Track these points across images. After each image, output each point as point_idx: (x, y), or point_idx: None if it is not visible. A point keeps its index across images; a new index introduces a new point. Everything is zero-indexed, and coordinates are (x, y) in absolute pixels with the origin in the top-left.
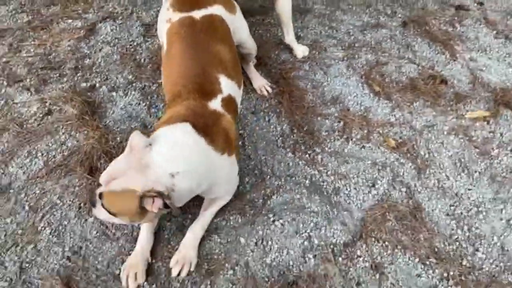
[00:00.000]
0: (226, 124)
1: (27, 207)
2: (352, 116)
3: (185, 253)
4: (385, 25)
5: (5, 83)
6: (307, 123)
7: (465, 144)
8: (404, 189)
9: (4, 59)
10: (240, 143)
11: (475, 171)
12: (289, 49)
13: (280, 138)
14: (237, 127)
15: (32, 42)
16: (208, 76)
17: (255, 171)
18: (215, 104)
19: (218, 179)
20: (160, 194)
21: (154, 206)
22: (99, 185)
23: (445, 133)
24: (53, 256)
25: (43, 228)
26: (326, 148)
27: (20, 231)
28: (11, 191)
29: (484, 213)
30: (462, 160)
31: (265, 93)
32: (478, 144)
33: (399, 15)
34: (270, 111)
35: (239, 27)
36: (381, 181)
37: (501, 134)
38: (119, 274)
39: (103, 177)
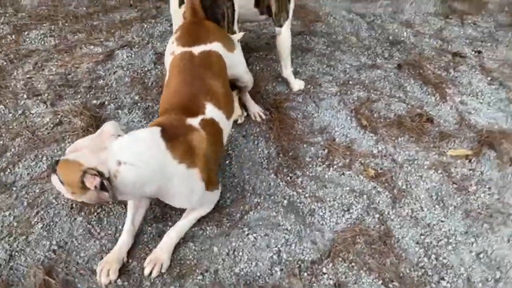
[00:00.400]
0: (195, 139)
1: (25, 203)
2: (337, 145)
3: (158, 255)
4: (381, 66)
5: (25, 96)
6: (293, 149)
7: (443, 179)
8: (377, 216)
9: (28, 75)
10: (227, 161)
11: (451, 205)
12: (286, 83)
13: (266, 161)
14: (222, 153)
15: (55, 63)
16: (195, 101)
17: (237, 188)
18: (193, 121)
19: (170, 187)
20: (100, 174)
21: (92, 183)
22: None
23: (425, 167)
24: (41, 248)
25: (36, 223)
26: (308, 172)
27: (15, 224)
28: (14, 188)
29: (454, 245)
30: (439, 193)
31: (258, 118)
32: (457, 180)
33: (396, 58)
34: (260, 136)
35: (236, 63)
36: (356, 206)
37: (481, 173)
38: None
39: (68, 148)
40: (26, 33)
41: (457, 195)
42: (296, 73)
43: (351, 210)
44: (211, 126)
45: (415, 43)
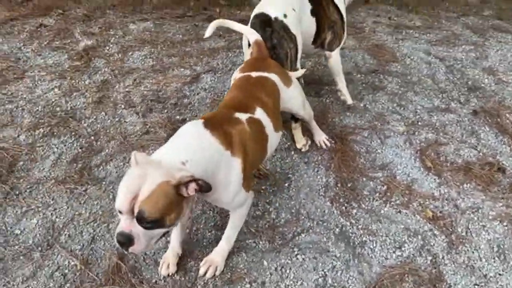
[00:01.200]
0: (240, 131)
1: (111, 197)
2: (397, 183)
3: (213, 258)
4: (454, 111)
5: (122, 106)
6: (352, 180)
7: (508, 232)
8: (430, 258)
9: (127, 89)
10: (286, 184)
11: None
12: (353, 116)
13: (323, 188)
14: (262, 160)
15: (150, 81)
16: (248, 102)
17: (292, 210)
18: (241, 115)
19: (216, 175)
20: (191, 180)
21: (190, 189)
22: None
23: (490, 217)
24: None
25: (117, 214)
26: (364, 205)
27: (100, 212)
28: (104, 182)
29: None
30: (501, 246)
31: (323, 146)
32: None
33: (472, 104)
34: (321, 164)
35: (291, 98)
36: (408, 245)
37: None
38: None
39: (121, 202)
40: (130, 53)
41: None
42: (365, 109)
43: (403, 248)
44: (257, 125)
45: (496, 90)
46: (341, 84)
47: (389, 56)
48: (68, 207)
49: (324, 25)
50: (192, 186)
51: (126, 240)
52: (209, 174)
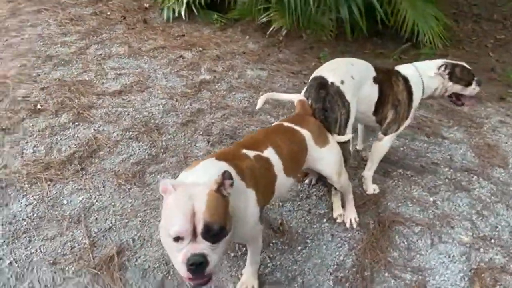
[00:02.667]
0: (246, 163)
1: (144, 200)
2: None
3: (247, 280)
4: None
5: (201, 132)
6: (372, 271)
7: None
8: None
9: (213, 120)
10: (299, 247)
11: None
12: (413, 208)
13: (335, 266)
14: (268, 201)
15: (236, 119)
16: (260, 143)
17: (289, 274)
18: (248, 152)
19: (238, 206)
20: (224, 176)
21: (227, 186)
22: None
23: None
24: None
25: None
26: None
27: (129, 210)
28: (147, 188)
29: None
30: None
31: (348, 225)
32: None
33: None
34: (347, 242)
35: (322, 159)
36: None
37: None
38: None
39: (181, 225)
40: (233, 93)
41: None
42: (432, 205)
43: None
44: (264, 162)
45: None
46: (370, 172)
47: (498, 160)
48: (109, 197)
49: (388, 98)
50: (227, 182)
51: (202, 259)
52: (231, 202)
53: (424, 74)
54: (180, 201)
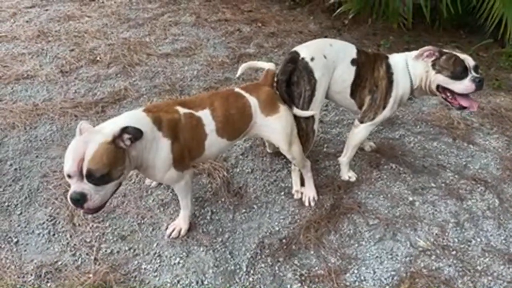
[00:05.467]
0: (174, 118)
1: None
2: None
3: (178, 222)
4: None
5: None
6: (300, 245)
7: None
8: None
9: None
10: (243, 210)
11: None
12: (380, 198)
13: (267, 234)
14: (197, 156)
15: None
16: (197, 103)
17: (220, 230)
18: (181, 109)
19: (150, 151)
20: (122, 131)
21: (125, 140)
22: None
23: None
24: None
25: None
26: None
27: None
28: None
29: None
30: None
31: (307, 203)
32: None
33: None
34: (291, 216)
35: (268, 127)
36: None
37: None
38: None
39: (69, 166)
40: None
41: None
42: (409, 205)
43: None
44: (193, 120)
45: None
46: (344, 158)
47: None
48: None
49: (365, 83)
50: (125, 136)
51: (80, 197)
52: (143, 147)
53: (410, 61)
54: (76, 145)
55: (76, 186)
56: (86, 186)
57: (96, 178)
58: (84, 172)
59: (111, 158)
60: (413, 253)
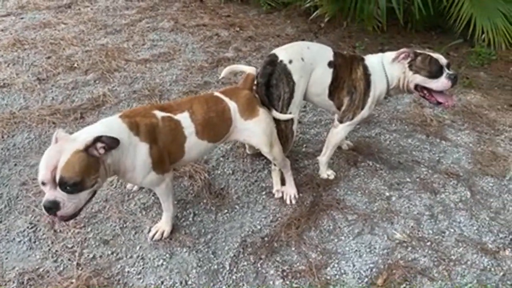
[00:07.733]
0: (151, 123)
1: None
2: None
3: (160, 225)
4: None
5: None
6: (281, 242)
7: None
8: None
9: None
10: (225, 211)
11: None
12: (358, 194)
13: (249, 233)
14: (178, 159)
15: None
16: (175, 107)
17: (202, 231)
18: (158, 113)
19: (128, 156)
20: (95, 140)
21: (99, 148)
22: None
23: None
24: None
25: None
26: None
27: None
28: None
29: None
30: None
31: (288, 201)
32: None
33: None
34: (272, 214)
35: (246, 129)
36: None
37: None
38: None
39: (43, 174)
40: None
41: None
42: (385, 200)
43: None
44: (172, 123)
45: None
46: (324, 157)
47: (494, 170)
48: None
49: (343, 84)
50: (99, 145)
51: (52, 205)
52: (120, 153)
53: (386, 63)
54: (50, 153)
55: (49, 194)
56: (59, 194)
57: (68, 186)
58: (57, 180)
59: (83, 167)
60: (390, 246)
